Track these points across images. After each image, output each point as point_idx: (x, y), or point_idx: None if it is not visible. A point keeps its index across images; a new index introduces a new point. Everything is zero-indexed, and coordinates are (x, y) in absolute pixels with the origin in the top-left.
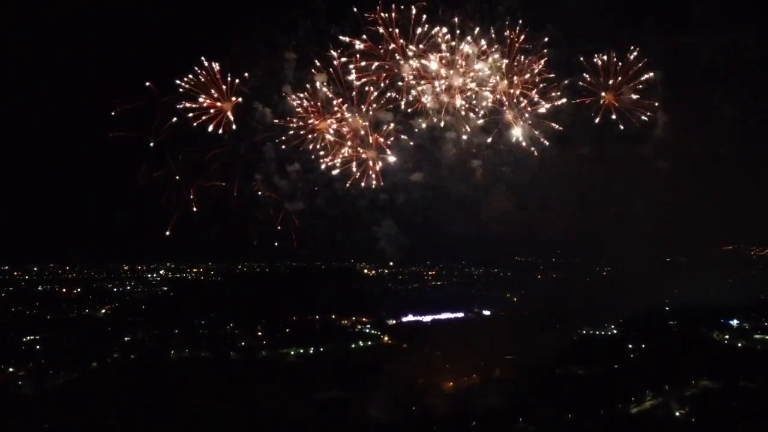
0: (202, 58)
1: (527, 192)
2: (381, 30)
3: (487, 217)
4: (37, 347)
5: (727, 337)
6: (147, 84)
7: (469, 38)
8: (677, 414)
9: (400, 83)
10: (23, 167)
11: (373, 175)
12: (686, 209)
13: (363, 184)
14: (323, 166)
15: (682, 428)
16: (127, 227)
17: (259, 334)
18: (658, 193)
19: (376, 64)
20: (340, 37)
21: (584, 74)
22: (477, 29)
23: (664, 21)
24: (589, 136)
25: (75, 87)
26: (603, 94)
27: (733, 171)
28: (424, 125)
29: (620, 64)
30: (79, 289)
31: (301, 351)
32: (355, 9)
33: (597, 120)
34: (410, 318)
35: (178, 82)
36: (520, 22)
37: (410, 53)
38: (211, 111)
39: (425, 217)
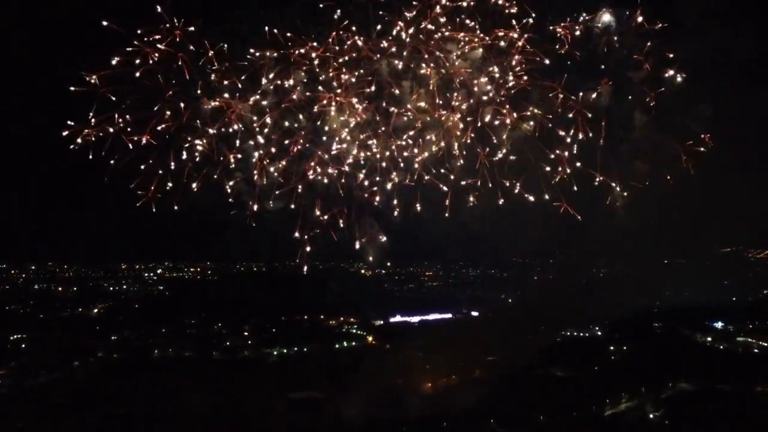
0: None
1: (519, 193)
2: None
3: (477, 218)
4: (23, 346)
5: (709, 339)
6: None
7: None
8: (651, 416)
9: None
10: (20, 165)
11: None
12: (686, 211)
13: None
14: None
15: (655, 430)
16: (127, 226)
17: (245, 333)
18: (658, 195)
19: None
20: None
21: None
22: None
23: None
24: (579, 133)
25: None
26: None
27: (734, 172)
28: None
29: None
30: (75, 288)
31: (285, 351)
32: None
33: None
34: (398, 318)
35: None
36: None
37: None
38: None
39: (413, 218)
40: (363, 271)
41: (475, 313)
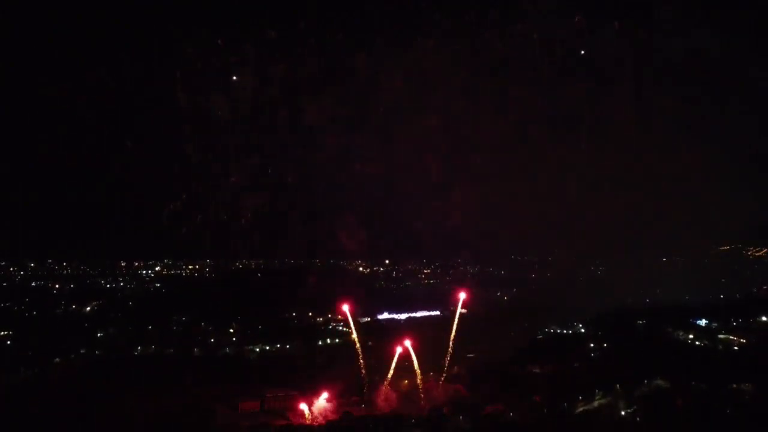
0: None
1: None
2: None
3: (469, 216)
4: (8, 342)
5: (690, 336)
6: None
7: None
8: (623, 413)
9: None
10: (24, 165)
11: None
12: (687, 210)
13: None
14: None
15: (624, 427)
16: (126, 223)
17: (231, 330)
18: (658, 194)
19: None
20: None
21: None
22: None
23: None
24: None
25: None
26: None
27: (734, 172)
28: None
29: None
30: (72, 285)
31: (267, 348)
32: None
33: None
34: (385, 316)
35: None
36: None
37: None
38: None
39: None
40: (361, 269)
41: (463, 311)
